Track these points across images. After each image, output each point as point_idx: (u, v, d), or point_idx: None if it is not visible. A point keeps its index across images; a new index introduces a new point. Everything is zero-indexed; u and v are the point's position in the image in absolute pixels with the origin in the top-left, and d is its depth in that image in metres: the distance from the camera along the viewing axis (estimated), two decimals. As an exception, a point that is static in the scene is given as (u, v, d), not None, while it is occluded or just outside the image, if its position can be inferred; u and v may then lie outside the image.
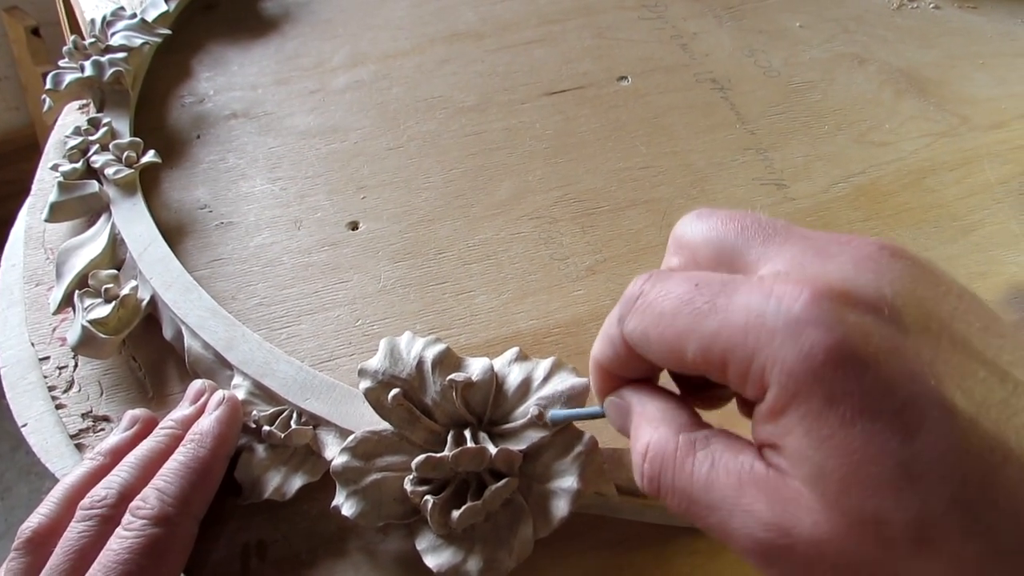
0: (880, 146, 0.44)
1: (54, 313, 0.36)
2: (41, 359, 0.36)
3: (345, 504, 0.28)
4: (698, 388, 0.24)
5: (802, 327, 0.17)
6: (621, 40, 0.51)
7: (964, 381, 0.17)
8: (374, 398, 0.29)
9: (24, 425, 0.34)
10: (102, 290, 0.35)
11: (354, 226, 0.41)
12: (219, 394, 0.31)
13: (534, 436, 0.28)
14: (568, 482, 0.27)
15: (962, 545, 0.16)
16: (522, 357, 0.30)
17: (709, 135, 0.45)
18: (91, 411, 0.34)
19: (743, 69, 0.49)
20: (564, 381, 0.29)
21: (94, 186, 0.39)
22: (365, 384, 0.29)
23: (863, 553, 0.17)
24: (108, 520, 0.28)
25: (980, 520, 0.16)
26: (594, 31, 0.52)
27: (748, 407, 0.24)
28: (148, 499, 0.27)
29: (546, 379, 0.29)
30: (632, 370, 0.23)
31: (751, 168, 0.43)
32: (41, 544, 0.28)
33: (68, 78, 0.44)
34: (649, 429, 0.21)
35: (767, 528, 0.18)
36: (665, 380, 0.24)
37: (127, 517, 0.27)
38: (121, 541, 0.26)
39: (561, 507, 0.27)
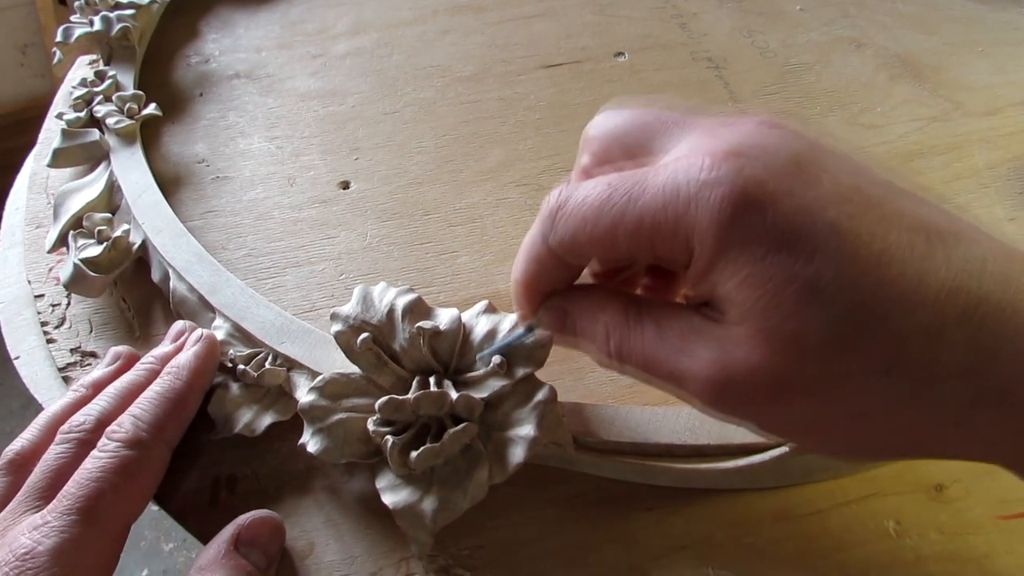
0: (870, 128, 0.45)
1: (49, 251, 0.37)
2: (36, 296, 0.37)
3: (311, 441, 0.29)
4: (609, 278, 0.27)
5: (708, 188, 0.20)
6: (621, 17, 0.52)
7: (843, 206, 0.19)
8: (344, 341, 0.30)
9: (16, 358, 0.35)
10: (95, 231, 0.36)
11: (345, 185, 0.42)
12: (198, 332, 0.32)
13: (495, 385, 0.29)
14: (525, 430, 0.28)
15: (867, 338, 0.19)
16: (490, 310, 0.31)
17: (701, 112, 0.46)
18: (80, 347, 0.35)
19: (740, 49, 0.49)
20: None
21: (95, 134, 0.41)
22: (336, 328, 0.30)
23: (789, 369, 0.19)
24: (85, 444, 0.29)
25: (877, 313, 0.19)
26: (595, 7, 0.53)
27: (656, 288, 0.27)
28: (123, 424, 0.29)
29: (511, 331, 0.30)
30: (556, 281, 0.25)
31: (740, 145, 0.44)
32: (22, 465, 0.29)
33: (77, 32, 0.45)
34: (600, 313, 0.24)
35: (710, 366, 0.21)
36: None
37: (102, 440, 0.28)
38: (95, 461, 0.27)
39: (517, 454, 0.28)
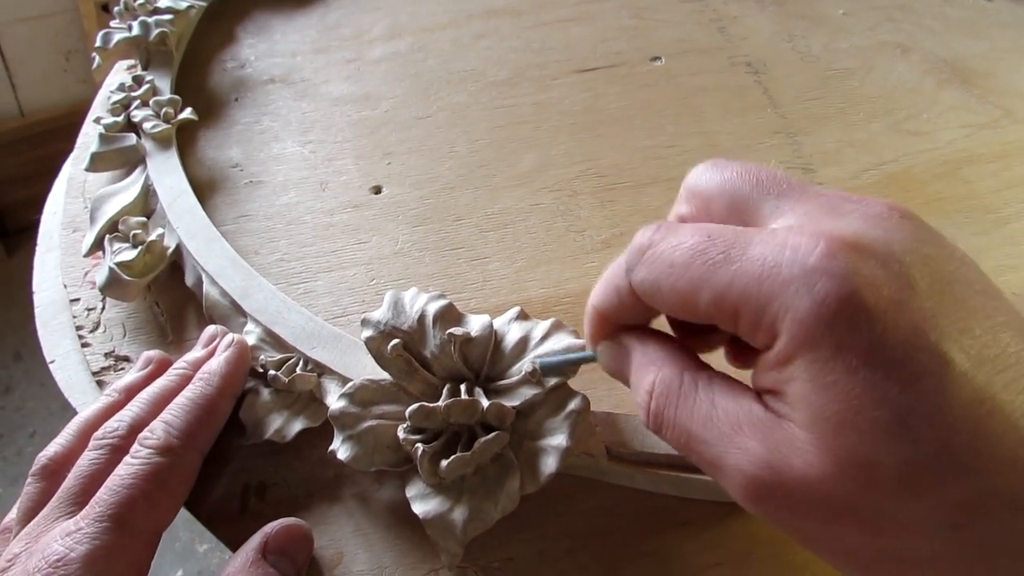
0: (916, 135, 0.43)
1: (85, 255, 0.37)
2: (72, 300, 0.37)
3: (340, 448, 0.29)
4: (693, 332, 0.24)
5: (817, 277, 0.18)
6: (659, 21, 0.51)
7: (962, 337, 0.17)
8: (374, 347, 0.29)
9: (52, 361, 0.36)
10: (131, 235, 0.36)
11: (377, 190, 0.42)
12: (229, 337, 0.32)
13: (528, 393, 0.28)
14: (558, 440, 0.28)
15: (946, 489, 0.17)
16: (522, 317, 0.31)
17: (739, 117, 0.45)
18: (114, 351, 0.35)
19: (780, 54, 0.48)
20: (561, 341, 0.29)
21: (132, 139, 0.41)
22: (367, 333, 0.30)
23: (850, 494, 0.17)
24: (118, 450, 0.29)
25: (964, 467, 0.17)
26: (632, 11, 0.52)
27: (738, 356, 0.25)
28: (155, 431, 0.29)
29: (544, 338, 0.29)
30: (632, 317, 0.24)
31: (779, 151, 0.43)
32: (56, 471, 0.29)
33: (116, 37, 0.46)
34: (653, 368, 0.22)
35: (759, 465, 0.19)
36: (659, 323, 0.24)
37: (135, 446, 0.28)
38: (127, 467, 0.27)
39: (549, 464, 0.27)
